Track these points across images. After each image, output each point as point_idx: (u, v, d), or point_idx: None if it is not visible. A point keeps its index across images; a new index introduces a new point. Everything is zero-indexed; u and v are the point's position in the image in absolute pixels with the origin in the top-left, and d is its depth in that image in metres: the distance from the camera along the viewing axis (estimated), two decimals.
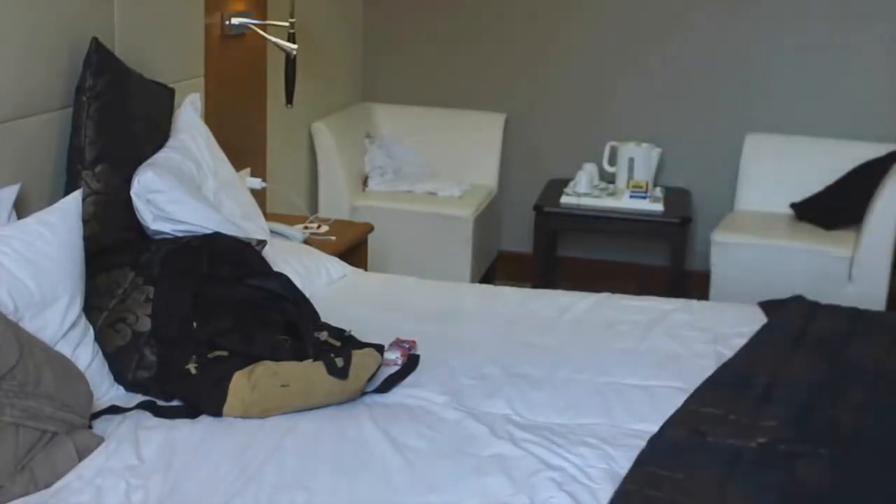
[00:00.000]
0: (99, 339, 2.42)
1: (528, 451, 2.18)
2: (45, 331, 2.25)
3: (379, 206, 4.75)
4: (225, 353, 2.43)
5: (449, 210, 4.76)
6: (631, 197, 4.70)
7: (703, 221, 4.96)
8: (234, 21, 3.74)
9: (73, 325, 2.33)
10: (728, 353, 2.70)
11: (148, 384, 2.40)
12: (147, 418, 2.28)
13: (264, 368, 2.35)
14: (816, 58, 4.88)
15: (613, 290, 3.24)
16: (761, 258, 4.42)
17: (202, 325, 2.46)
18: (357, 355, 2.40)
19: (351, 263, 3.44)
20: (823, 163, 4.72)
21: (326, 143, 4.80)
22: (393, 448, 2.17)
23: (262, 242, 2.87)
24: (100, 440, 2.15)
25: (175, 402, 2.36)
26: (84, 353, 2.34)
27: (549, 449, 2.18)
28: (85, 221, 2.50)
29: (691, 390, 2.47)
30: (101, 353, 2.40)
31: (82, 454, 2.08)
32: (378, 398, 2.42)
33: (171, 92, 3.07)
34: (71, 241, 2.39)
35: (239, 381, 2.31)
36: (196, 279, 2.54)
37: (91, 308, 2.44)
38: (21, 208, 2.52)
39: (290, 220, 3.81)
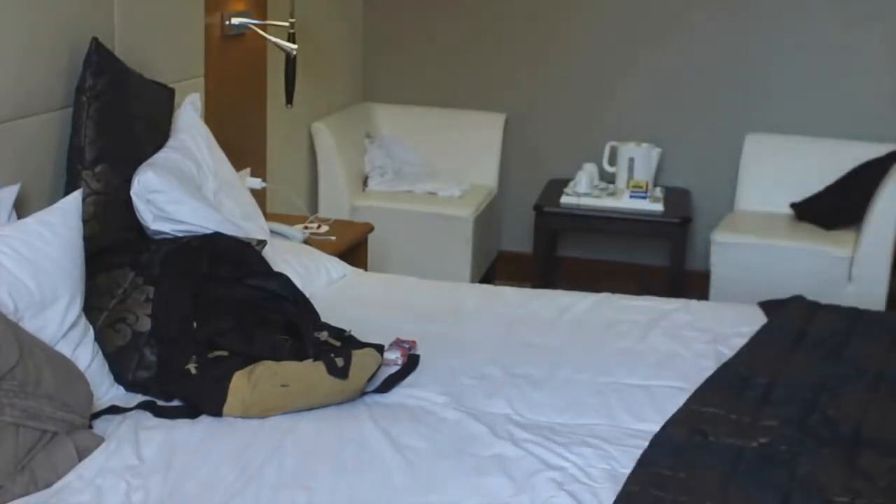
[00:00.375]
0: (99, 339, 2.42)
1: (529, 451, 2.18)
2: (45, 331, 2.24)
3: (379, 206, 4.75)
4: (225, 353, 2.43)
5: (449, 210, 4.76)
6: (631, 197, 4.70)
7: (703, 221, 4.96)
8: (234, 21, 3.74)
9: (73, 325, 2.33)
10: (728, 353, 2.70)
11: (148, 384, 2.40)
12: (147, 418, 2.28)
13: (264, 368, 2.35)
14: (816, 58, 4.88)
15: (613, 290, 3.24)
16: (761, 258, 4.42)
17: (202, 325, 2.46)
18: (357, 355, 2.40)
19: (351, 263, 3.44)
20: (823, 163, 4.72)
21: (326, 143, 4.80)
22: (393, 448, 2.17)
23: (262, 242, 2.87)
24: (100, 440, 2.15)
25: (175, 402, 2.36)
26: (84, 353, 2.34)
27: (550, 449, 2.18)
28: (85, 221, 2.50)
29: (691, 390, 2.47)
30: (101, 353, 2.40)
31: (82, 454, 2.08)
32: (378, 398, 2.42)
33: (171, 92, 3.07)
34: (71, 241, 2.38)
35: (239, 381, 2.31)
36: (196, 279, 2.54)
37: (91, 308, 2.44)
38: (21, 208, 2.52)
39: (290, 220, 3.81)
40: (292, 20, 3.82)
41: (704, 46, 4.99)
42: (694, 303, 3.14)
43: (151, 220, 2.73)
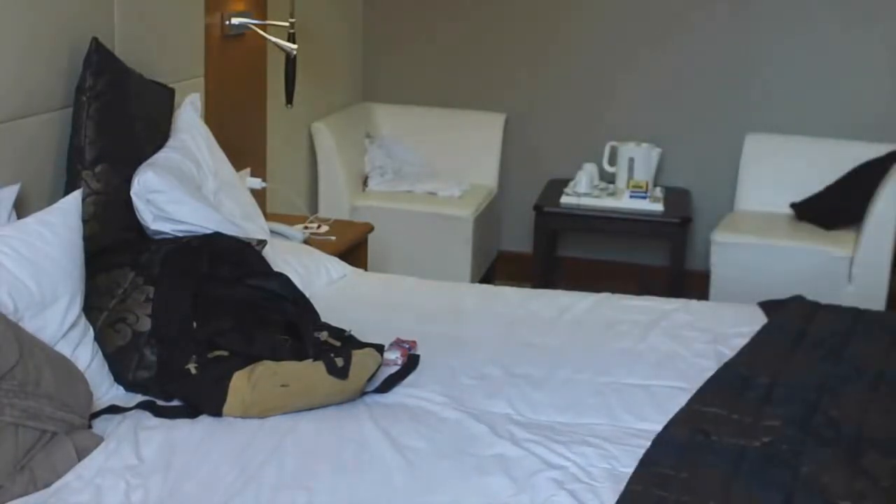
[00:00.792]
0: (99, 339, 2.42)
1: (529, 450, 2.18)
2: (45, 331, 2.24)
3: (379, 206, 4.75)
4: (225, 353, 2.43)
5: (449, 210, 4.76)
6: (631, 197, 4.70)
7: (703, 221, 4.96)
8: (234, 21, 3.74)
9: (73, 325, 2.33)
10: (728, 353, 2.70)
11: (148, 384, 2.40)
12: (147, 418, 2.28)
13: (264, 368, 2.35)
14: (816, 58, 4.88)
15: (613, 290, 3.24)
16: (761, 258, 4.42)
17: (202, 325, 2.46)
18: (357, 355, 2.40)
19: (351, 263, 3.44)
20: (823, 163, 4.73)
21: (326, 143, 4.80)
22: (393, 448, 2.17)
23: (262, 242, 2.87)
24: (99, 440, 2.15)
25: (175, 402, 2.36)
26: (84, 353, 2.34)
27: (550, 448, 2.18)
28: (85, 221, 2.50)
29: (691, 390, 2.47)
30: (101, 353, 2.40)
31: (82, 454, 2.08)
32: (378, 398, 2.42)
33: (171, 92, 3.07)
34: (71, 241, 2.38)
35: (239, 381, 2.31)
36: (196, 279, 2.54)
37: (91, 308, 2.44)
38: (21, 208, 2.52)
39: (290, 220, 3.81)
40: (292, 20, 3.82)
41: (704, 46, 5.00)
42: (694, 303, 3.14)
43: (151, 220, 2.73)
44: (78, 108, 2.71)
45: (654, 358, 2.69)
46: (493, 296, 3.20)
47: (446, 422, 2.31)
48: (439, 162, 5.17)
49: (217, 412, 2.29)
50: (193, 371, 2.36)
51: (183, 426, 2.25)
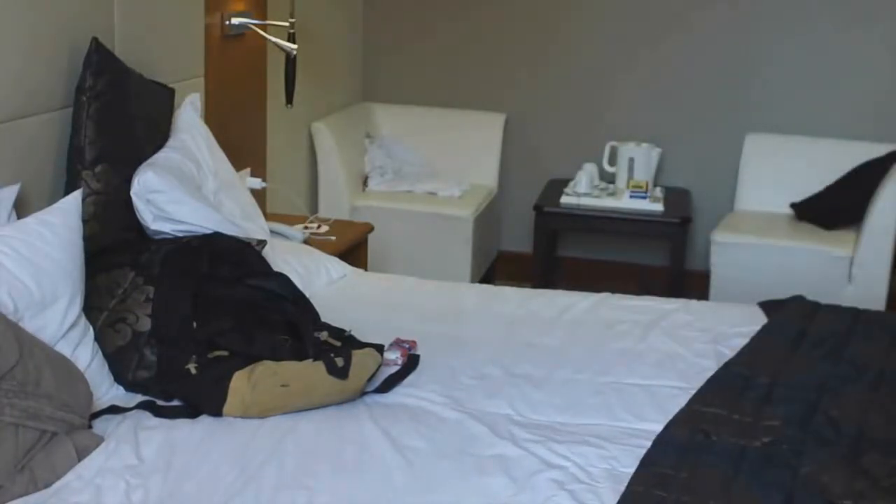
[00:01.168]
0: (99, 339, 2.42)
1: (529, 450, 2.18)
2: (45, 331, 2.24)
3: (379, 206, 4.75)
4: (225, 353, 2.43)
5: (449, 210, 4.76)
6: (631, 197, 4.70)
7: (703, 221, 4.96)
8: (234, 21, 3.74)
9: (73, 325, 2.33)
10: (728, 353, 2.70)
11: (148, 384, 2.40)
12: (147, 418, 2.28)
13: (264, 368, 2.35)
14: (816, 58, 4.88)
15: (613, 290, 3.24)
16: (761, 258, 4.43)
17: (202, 325, 2.46)
18: (357, 355, 2.40)
19: (351, 263, 3.44)
20: (823, 163, 4.73)
21: (326, 143, 4.80)
22: (393, 448, 2.17)
23: (262, 242, 2.87)
24: (99, 440, 2.15)
25: (175, 402, 2.36)
26: (84, 353, 2.34)
27: (551, 449, 2.18)
28: (85, 221, 2.50)
29: (691, 390, 2.47)
30: (101, 353, 2.40)
31: (82, 454, 2.08)
32: (378, 398, 2.42)
33: (171, 92, 3.07)
34: (71, 241, 2.38)
35: (239, 381, 2.31)
36: (196, 279, 2.54)
37: (91, 308, 2.44)
38: (21, 208, 2.52)
39: (290, 220, 3.81)
40: (292, 20, 3.82)
41: (704, 46, 5.00)
42: (694, 303, 3.14)
43: (151, 220, 2.73)
44: (78, 108, 2.70)
45: (654, 358, 2.69)
46: (493, 296, 3.20)
47: (446, 422, 2.31)
48: (439, 162, 5.17)
49: (217, 412, 2.29)
50: (193, 371, 2.36)
51: (183, 426, 2.25)
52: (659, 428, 2.28)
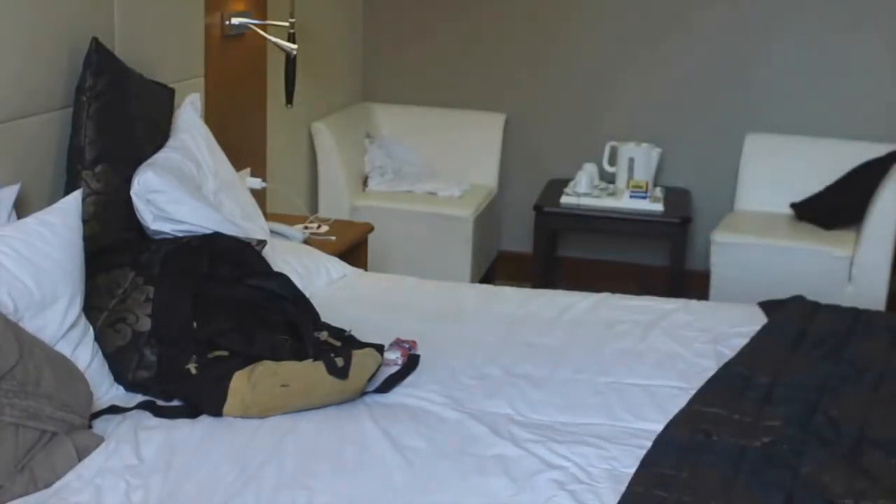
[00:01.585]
0: (99, 339, 2.42)
1: (530, 450, 2.18)
2: (45, 331, 2.24)
3: (379, 206, 4.75)
4: (225, 353, 2.43)
5: (449, 210, 4.76)
6: (631, 197, 4.70)
7: (703, 221, 4.96)
8: (234, 21, 3.74)
9: (73, 325, 2.33)
10: (728, 353, 2.70)
11: (148, 384, 2.40)
12: (147, 418, 2.28)
13: (264, 368, 2.35)
14: (816, 58, 4.88)
15: (613, 290, 3.24)
16: (761, 258, 4.43)
17: (202, 325, 2.46)
18: (357, 355, 2.40)
19: (351, 263, 3.44)
20: (823, 163, 4.72)
21: (326, 143, 4.80)
22: (393, 448, 2.17)
23: (262, 242, 2.87)
24: (100, 440, 2.15)
25: (175, 402, 2.36)
26: (84, 353, 2.34)
27: (551, 449, 2.18)
28: (85, 221, 2.50)
29: (692, 390, 2.47)
30: (101, 353, 2.40)
31: (82, 454, 2.08)
32: (378, 398, 2.42)
33: (171, 92, 3.07)
34: (71, 241, 2.38)
35: (239, 381, 2.31)
36: (196, 279, 2.54)
37: (91, 308, 2.44)
38: (21, 208, 2.52)
39: (290, 220, 3.81)
40: (292, 20, 3.82)
41: (704, 46, 5.00)
42: (694, 303, 3.14)
43: (151, 220, 2.73)
44: (78, 108, 2.70)
45: (654, 358, 2.69)
46: (493, 296, 3.20)
47: (446, 422, 2.31)
48: (439, 162, 5.17)
49: (217, 412, 2.29)
50: (193, 371, 2.36)
51: (183, 426, 2.25)
52: (659, 428, 2.28)
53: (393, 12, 5.35)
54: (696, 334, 2.85)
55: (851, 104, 4.86)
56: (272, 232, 3.36)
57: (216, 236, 2.72)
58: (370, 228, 4.01)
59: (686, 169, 5.08)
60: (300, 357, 2.43)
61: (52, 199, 2.57)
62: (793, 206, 4.71)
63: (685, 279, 4.74)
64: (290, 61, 3.83)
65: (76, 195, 2.49)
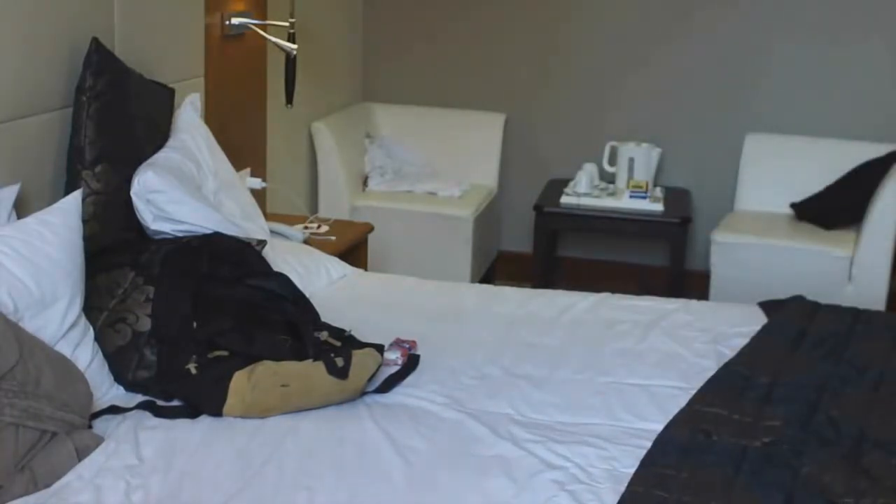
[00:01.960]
0: (99, 339, 2.42)
1: (530, 451, 2.17)
2: (45, 331, 2.24)
3: (379, 206, 4.75)
4: (225, 353, 2.43)
5: (449, 210, 4.76)
6: (631, 197, 4.70)
7: (703, 221, 4.96)
8: (234, 21, 3.74)
9: (73, 325, 2.33)
10: (728, 353, 2.70)
11: (148, 384, 2.40)
12: (147, 418, 2.28)
13: (264, 368, 2.35)
14: (816, 58, 4.88)
15: (613, 290, 3.24)
16: (761, 258, 4.43)
17: (202, 325, 2.46)
18: (357, 355, 2.40)
19: (351, 263, 3.44)
20: (823, 163, 4.72)
21: (326, 143, 4.80)
22: (393, 448, 2.17)
23: (262, 242, 2.87)
24: (100, 440, 2.15)
25: (175, 402, 2.36)
26: (84, 353, 2.34)
27: (551, 449, 2.18)
28: (85, 221, 2.50)
29: (692, 390, 2.47)
30: (101, 353, 2.40)
31: (82, 454, 2.08)
32: (378, 398, 2.42)
33: (171, 92, 3.07)
34: (71, 241, 2.38)
35: (239, 381, 2.31)
36: (196, 279, 2.54)
37: (91, 308, 2.44)
38: (21, 208, 2.52)
39: (290, 220, 3.81)
40: (292, 20, 3.82)
41: (705, 47, 5.00)
42: (694, 303, 3.14)
43: (151, 220, 2.73)
44: (78, 108, 2.70)
45: (654, 358, 2.69)
46: (493, 296, 3.20)
47: (446, 422, 2.31)
48: (439, 162, 5.16)
49: (217, 412, 2.29)
50: (193, 371, 2.36)
51: (183, 426, 2.25)
52: (659, 428, 2.28)
53: (393, 12, 5.35)
54: (696, 334, 2.85)
55: (851, 104, 4.86)
56: (272, 232, 3.36)
57: (216, 236, 2.72)
58: (370, 228, 4.01)
59: (686, 169, 5.08)
60: (300, 357, 2.43)
61: (52, 199, 2.57)
62: (793, 206, 4.71)
63: (685, 279, 4.74)
64: (290, 61, 3.83)
65: (76, 195, 2.49)
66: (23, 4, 2.59)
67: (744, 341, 2.77)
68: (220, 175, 3.13)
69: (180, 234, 2.72)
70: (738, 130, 4.93)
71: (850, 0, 4.82)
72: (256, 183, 3.77)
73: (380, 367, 2.46)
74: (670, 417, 2.33)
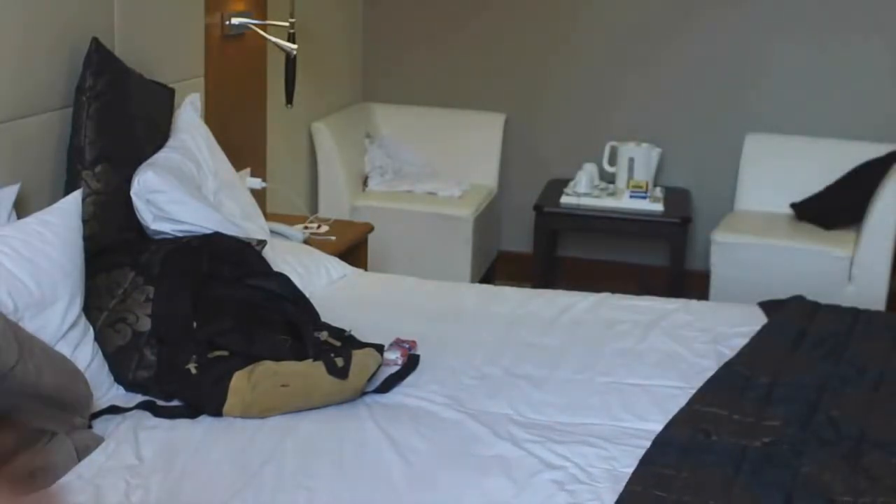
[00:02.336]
0: (99, 339, 2.42)
1: (530, 451, 2.18)
2: (45, 331, 2.24)
3: (379, 206, 4.74)
4: (225, 353, 2.43)
5: (449, 210, 4.76)
6: (631, 197, 4.70)
7: (703, 221, 4.96)
8: (234, 21, 3.74)
9: (73, 325, 2.33)
10: (728, 353, 2.70)
11: (148, 384, 2.40)
12: (147, 418, 2.28)
13: (264, 368, 2.35)
14: (816, 58, 4.88)
15: (613, 290, 3.24)
16: (761, 258, 4.42)
17: (202, 325, 2.46)
18: (357, 355, 2.40)
19: (351, 263, 3.44)
20: (823, 163, 4.72)
21: (326, 143, 4.80)
22: (393, 448, 2.17)
23: (262, 242, 2.87)
24: (100, 440, 2.15)
25: (175, 402, 2.36)
26: (84, 353, 2.34)
27: (551, 449, 2.18)
28: (85, 221, 2.50)
29: (691, 390, 2.47)
30: (101, 353, 2.40)
31: (82, 454, 2.08)
32: (378, 398, 2.42)
33: (171, 92, 3.07)
34: (71, 241, 2.38)
35: (239, 381, 2.31)
36: (196, 279, 2.54)
37: (91, 308, 2.44)
38: (21, 208, 2.52)
39: (290, 220, 3.81)
40: (292, 20, 3.82)
41: (704, 46, 4.99)
42: (694, 303, 3.14)
43: (151, 220, 2.73)
44: (78, 108, 2.71)
45: (654, 358, 2.69)
46: (493, 296, 3.20)
47: (446, 422, 2.31)
48: (439, 162, 5.16)
49: (217, 412, 2.29)
50: (193, 371, 2.36)
51: (183, 426, 2.25)
52: (659, 428, 2.28)
53: (393, 12, 5.35)
54: (696, 334, 2.85)
55: (851, 104, 4.86)
56: (272, 232, 3.36)
57: (216, 236, 2.72)
58: (370, 228, 4.01)
59: (686, 169, 5.08)
60: (300, 357, 2.43)
61: (52, 199, 2.57)
62: (793, 206, 4.71)
63: (685, 279, 4.74)
64: (290, 61, 3.83)
65: (76, 195, 2.49)
66: (23, 4, 2.59)
67: (744, 341, 2.77)
68: (220, 175, 3.13)
69: (180, 234, 2.72)
70: (738, 130, 4.92)
71: (850, 0, 4.82)
72: (256, 183, 3.77)
73: (380, 367, 2.46)
74: (670, 417, 2.33)
